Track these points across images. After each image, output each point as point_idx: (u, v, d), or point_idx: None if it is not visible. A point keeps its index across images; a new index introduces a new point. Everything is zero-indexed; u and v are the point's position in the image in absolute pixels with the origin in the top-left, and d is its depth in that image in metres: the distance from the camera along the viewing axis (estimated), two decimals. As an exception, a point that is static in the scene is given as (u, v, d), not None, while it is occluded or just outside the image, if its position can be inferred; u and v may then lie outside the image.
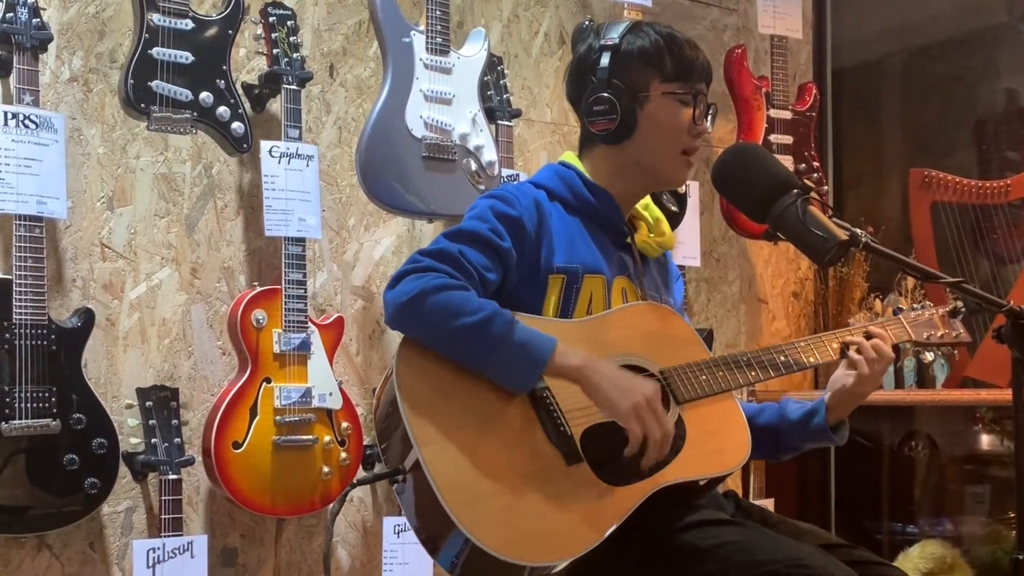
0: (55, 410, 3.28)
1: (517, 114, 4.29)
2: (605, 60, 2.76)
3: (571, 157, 2.89)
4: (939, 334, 3.01)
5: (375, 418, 2.62)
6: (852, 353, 2.81)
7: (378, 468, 3.91)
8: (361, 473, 3.83)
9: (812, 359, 2.83)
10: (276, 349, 3.64)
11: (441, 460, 2.38)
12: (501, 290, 2.64)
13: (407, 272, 2.51)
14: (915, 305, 3.10)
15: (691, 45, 2.79)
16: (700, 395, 2.68)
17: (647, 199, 2.95)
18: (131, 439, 3.50)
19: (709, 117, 2.81)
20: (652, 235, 2.92)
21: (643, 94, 2.75)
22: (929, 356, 4.77)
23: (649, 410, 2.46)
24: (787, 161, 4.92)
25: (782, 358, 2.80)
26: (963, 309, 3.00)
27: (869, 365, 2.78)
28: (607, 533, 2.43)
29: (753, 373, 2.76)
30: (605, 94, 2.75)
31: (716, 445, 2.66)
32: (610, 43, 2.77)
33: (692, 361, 2.70)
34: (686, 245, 4.70)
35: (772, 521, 2.81)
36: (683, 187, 4.52)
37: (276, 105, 3.84)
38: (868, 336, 2.85)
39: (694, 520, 2.55)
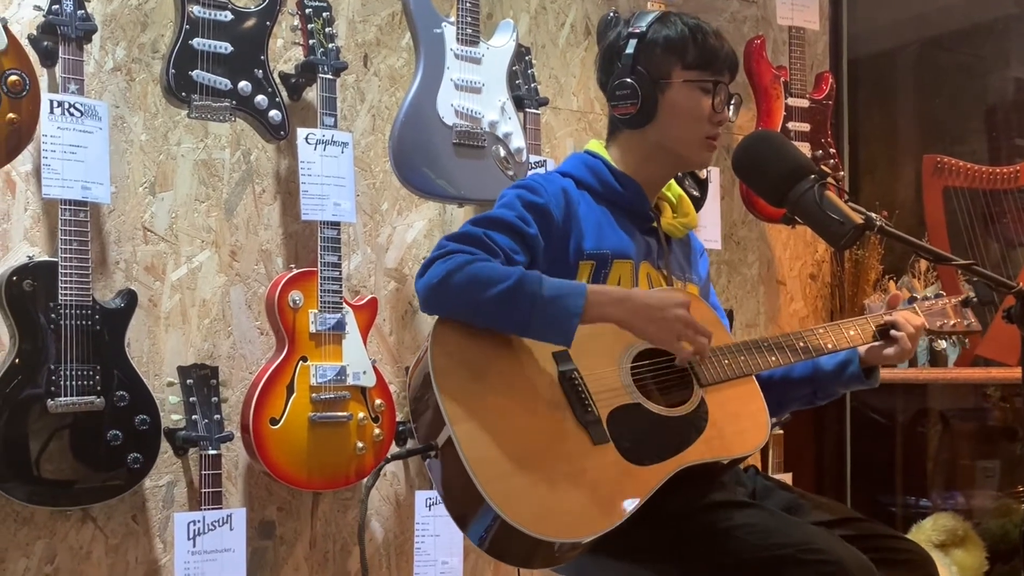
0: (99, 388, 3.25)
1: (544, 102, 4.24)
2: (631, 47, 2.74)
3: (597, 146, 2.86)
4: (951, 323, 3.02)
5: (408, 395, 2.59)
6: (894, 332, 2.84)
7: (410, 444, 3.88)
8: (394, 448, 3.80)
9: (831, 345, 2.82)
10: (312, 329, 3.60)
11: (472, 438, 2.34)
12: None
13: (434, 259, 2.49)
14: (927, 294, 3.08)
15: (717, 36, 2.76)
16: (722, 379, 2.65)
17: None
18: (172, 416, 3.47)
19: (732, 107, 2.77)
20: (676, 216, 2.89)
21: (664, 80, 2.72)
22: (942, 344, 4.74)
23: (686, 328, 2.49)
24: (804, 148, 4.88)
25: (801, 344, 2.79)
26: (975, 299, 2.97)
27: (911, 339, 2.83)
28: (631, 511, 2.39)
29: (774, 358, 2.74)
30: (628, 79, 2.73)
31: (737, 427, 2.62)
32: (637, 31, 2.75)
33: (715, 345, 2.65)
34: (707, 229, 4.66)
35: (791, 494, 2.78)
36: (704, 173, 4.48)
37: (312, 94, 3.80)
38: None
39: (712, 501, 2.51)
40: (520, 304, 2.40)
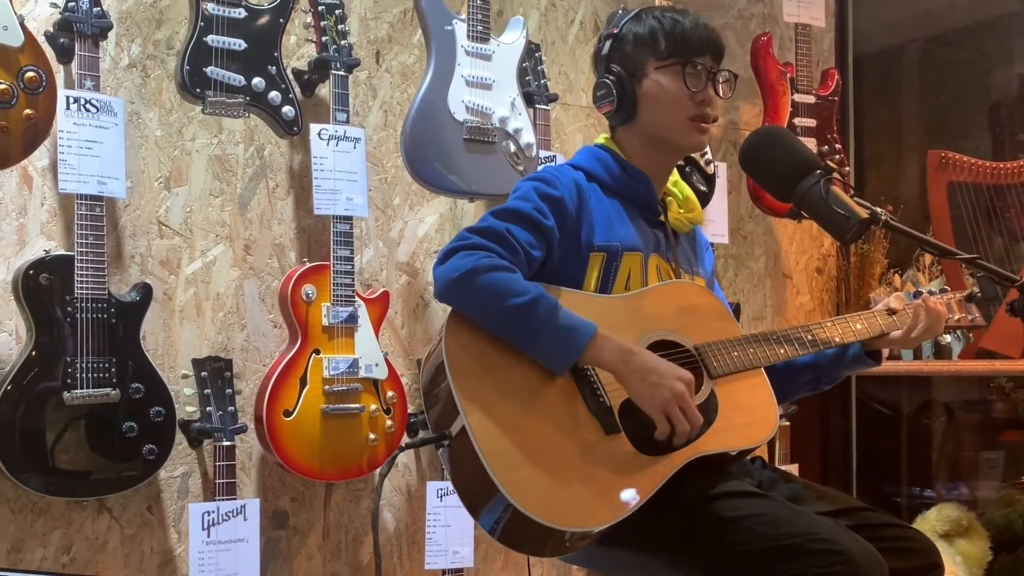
0: (115, 380, 3.24)
1: (554, 98, 4.21)
2: (607, 48, 2.78)
3: (605, 139, 2.84)
4: (956, 318, 3.01)
5: (421, 384, 2.58)
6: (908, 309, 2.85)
7: (422, 434, 3.86)
8: (407, 439, 3.79)
9: (838, 338, 2.80)
10: (325, 322, 3.59)
11: (486, 427, 2.33)
12: (545, 266, 2.59)
13: (457, 248, 2.46)
14: (932, 289, 3.06)
15: (693, 24, 2.73)
16: (732, 370, 2.63)
17: (675, 176, 2.90)
18: (187, 407, 3.46)
19: (720, 84, 2.74)
20: (683, 211, 2.87)
21: (639, 73, 2.72)
22: (947, 338, 4.73)
23: (676, 405, 2.41)
24: (811, 143, 4.86)
25: (809, 336, 2.77)
26: (978, 294, 2.95)
27: (927, 318, 2.82)
28: (643, 500, 2.38)
29: (782, 350, 2.73)
30: (605, 79, 2.76)
31: (746, 418, 2.60)
32: (613, 32, 2.77)
33: (724, 336, 2.65)
34: (715, 223, 4.64)
35: (796, 485, 2.76)
36: (712, 168, 4.46)
37: (325, 90, 3.78)
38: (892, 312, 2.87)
39: (722, 491, 2.48)
40: (530, 323, 2.40)
